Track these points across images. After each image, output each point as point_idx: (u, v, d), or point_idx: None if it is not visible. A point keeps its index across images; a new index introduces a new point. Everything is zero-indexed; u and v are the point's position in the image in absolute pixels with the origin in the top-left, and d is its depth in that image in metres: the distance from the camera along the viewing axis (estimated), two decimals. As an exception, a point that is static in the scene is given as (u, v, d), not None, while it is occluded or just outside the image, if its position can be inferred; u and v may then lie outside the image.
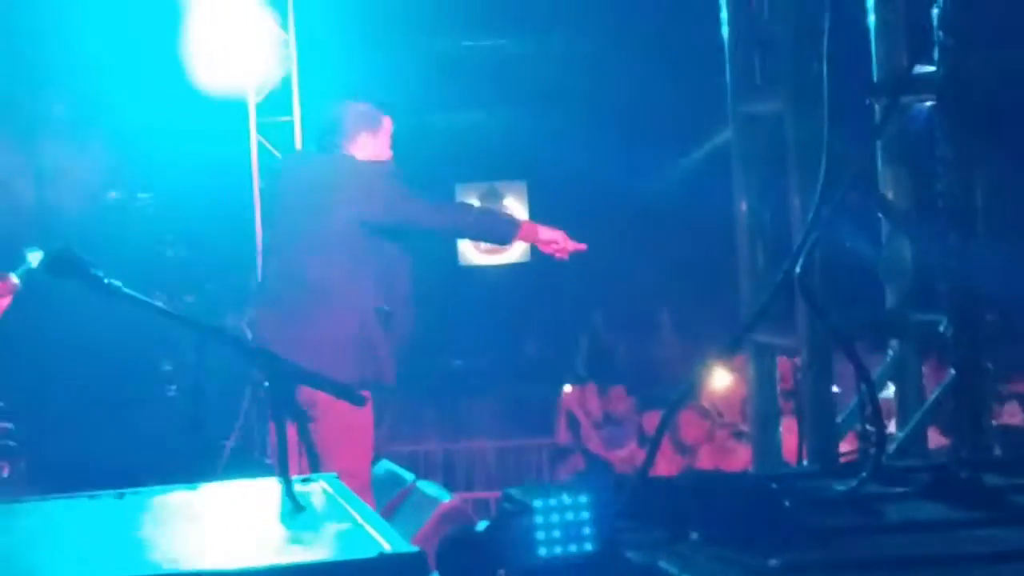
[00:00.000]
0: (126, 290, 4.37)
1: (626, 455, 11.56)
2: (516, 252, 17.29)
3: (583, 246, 6.66)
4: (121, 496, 4.03)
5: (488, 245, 18.51)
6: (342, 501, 3.90)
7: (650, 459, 3.92)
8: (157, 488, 4.15)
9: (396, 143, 6.95)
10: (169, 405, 10.99)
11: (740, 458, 9.41)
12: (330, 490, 4.07)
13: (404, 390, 11.61)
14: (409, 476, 9.02)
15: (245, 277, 11.96)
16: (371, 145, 6.69)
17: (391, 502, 8.61)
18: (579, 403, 12.81)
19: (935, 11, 4.14)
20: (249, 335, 12.19)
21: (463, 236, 7.05)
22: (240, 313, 12.41)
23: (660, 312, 15.59)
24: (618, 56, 14.30)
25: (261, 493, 4.06)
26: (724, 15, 5.20)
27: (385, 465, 9.51)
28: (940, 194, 4.34)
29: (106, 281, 4.32)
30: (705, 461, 10.04)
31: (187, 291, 11.19)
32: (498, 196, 17.30)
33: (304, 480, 4.16)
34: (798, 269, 3.83)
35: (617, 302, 16.18)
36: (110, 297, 4.31)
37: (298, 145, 11.60)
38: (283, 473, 4.06)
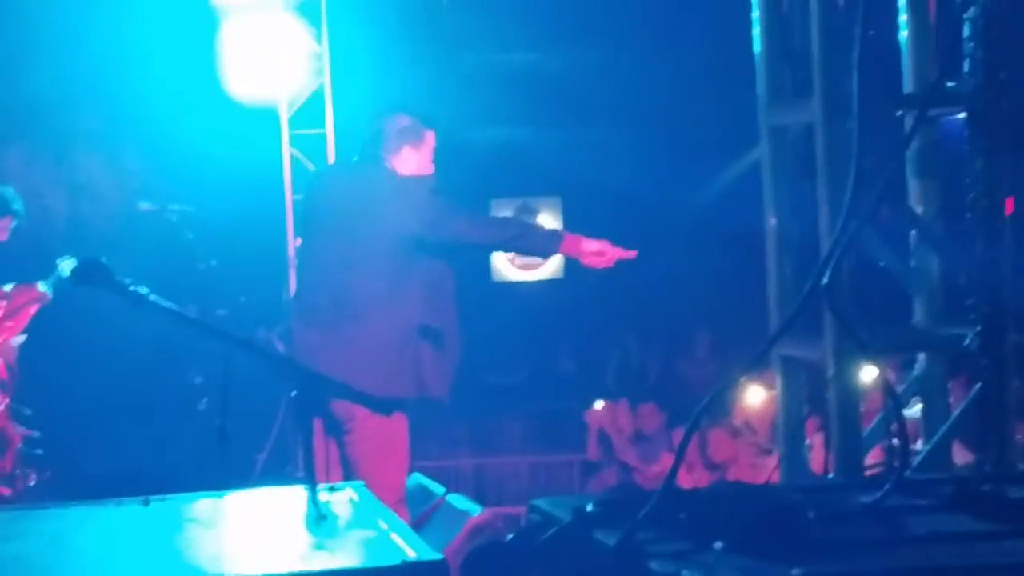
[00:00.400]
0: (152, 298, 4.39)
1: (659, 470, 11.53)
2: (549, 268, 17.31)
3: (632, 253, 6.61)
4: (147, 503, 4.05)
5: (523, 260, 18.57)
6: (369, 509, 3.91)
7: (675, 469, 3.91)
8: (183, 495, 4.16)
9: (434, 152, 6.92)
10: (199, 418, 10.99)
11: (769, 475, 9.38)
12: (356, 498, 4.08)
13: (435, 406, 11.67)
14: (439, 489, 9.01)
15: (277, 290, 12.00)
16: (414, 159, 6.65)
17: (422, 515, 8.61)
18: (610, 420, 12.80)
19: (966, 24, 4.12)
20: (281, 348, 12.27)
21: (507, 250, 6.97)
22: (271, 326, 12.46)
23: (697, 331, 15.54)
24: (654, 70, 14.29)
25: (287, 501, 4.07)
26: (756, 27, 5.19)
27: (416, 478, 9.51)
28: (969, 208, 4.31)
29: (132, 289, 4.34)
30: (734, 478, 10.03)
31: (219, 304, 11.20)
32: (532, 212, 17.31)
33: (331, 488, 4.17)
34: (824, 281, 3.81)
35: (650, 319, 16.15)
36: (136, 305, 4.32)
37: (331, 157, 11.65)
38: (310, 481, 4.07)
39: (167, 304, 4.41)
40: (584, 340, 16.15)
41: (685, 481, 10.54)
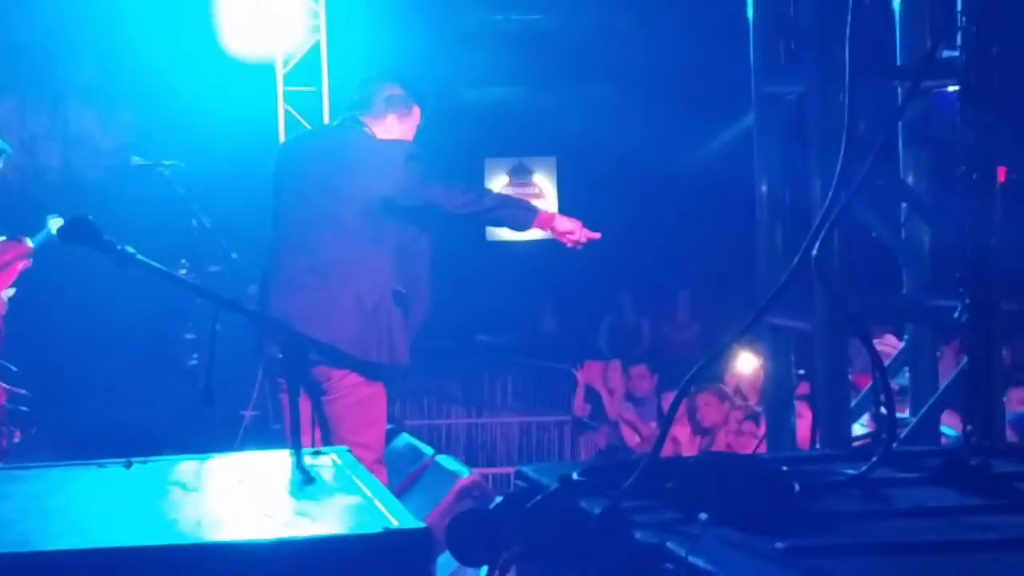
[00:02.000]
0: (140, 257, 4.38)
1: (648, 433, 11.54)
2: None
3: (597, 235, 6.60)
4: (129, 465, 4.03)
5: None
6: (352, 475, 3.90)
7: (661, 439, 3.91)
8: (166, 458, 4.15)
9: (426, 117, 6.88)
10: (191, 374, 10.98)
11: (750, 444, 9.39)
12: (340, 463, 4.07)
13: (428, 365, 11.65)
14: (428, 450, 9.02)
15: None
16: (397, 128, 6.61)
17: (410, 476, 8.62)
18: (602, 379, 12.79)
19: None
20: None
21: (481, 222, 6.92)
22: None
23: (678, 292, 15.56)
24: (650, 32, 14.26)
25: (271, 465, 4.06)
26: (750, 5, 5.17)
27: (405, 439, 9.53)
28: (960, 181, 4.30)
29: (119, 247, 4.32)
30: (722, 443, 10.01)
31: (211, 261, 11.17)
32: (527, 171, 17.31)
33: (315, 453, 4.16)
34: (815, 252, 3.80)
35: (643, 280, 16.16)
36: (123, 264, 4.31)
37: (325, 114, 11.62)
38: (294, 445, 4.07)
39: (154, 264, 4.40)
40: (577, 300, 16.17)
41: (673, 446, 10.55)
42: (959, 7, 4.25)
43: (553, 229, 6.56)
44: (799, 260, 3.87)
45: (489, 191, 6.67)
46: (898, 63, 4.91)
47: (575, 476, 3.94)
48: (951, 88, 4.57)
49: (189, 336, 11.16)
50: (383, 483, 6.34)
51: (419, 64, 13.39)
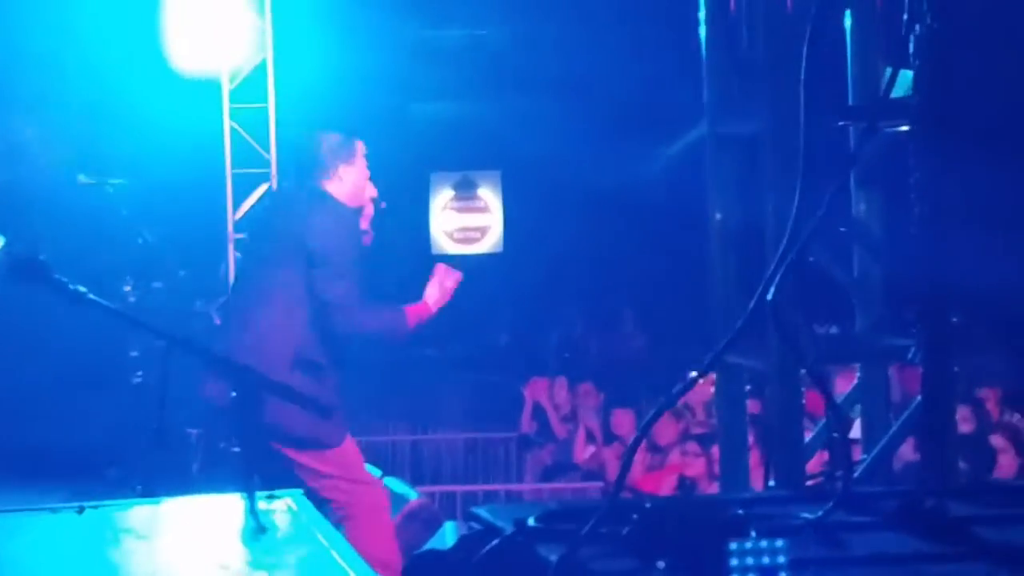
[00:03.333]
0: (91, 296, 4.34)
1: (590, 456, 11.58)
2: (489, 242, 17.32)
3: (458, 273, 6.59)
4: (81, 511, 3.98)
5: (463, 233, 18.53)
6: (308, 522, 3.87)
7: (620, 481, 3.90)
8: (119, 502, 4.10)
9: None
10: (136, 391, 10.89)
11: (700, 464, 9.44)
12: (295, 508, 4.03)
13: (373, 379, 11.61)
14: (376, 472, 8.98)
15: (215, 264, 11.93)
16: (351, 174, 6.56)
17: None
18: (548, 395, 12.80)
19: (911, 40, 4.12)
20: (218, 321, 12.20)
21: (361, 335, 6.72)
22: (209, 300, 12.38)
23: (624, 306, 15.60)
24: (595, 47, 14.28)
25: (224, 510, 4.02)
26: (703, 34, 5.17)
27: None
28: (914, 223, 4.32)
29: (71, 287, 4.29)
30: (674, 462, 10.05)
31: (156, 277, 11.11)
32: (472, 185, 17.30)
33: (269, 497, 4.12)
34: (770, 296, 3.80)
35: (589, 294, 16.18)
36: (74, 303, 4.27)
37: (272, 131, 11.58)
38: (248, 490, 4.03)
39: (104, 302, 4.36)
40: (522, 315, 16.17)
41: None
42: (911, 49, 4.27)
43: (428, 309, 6.47)
44: (755, 304, 3.88)
45: (380, 313, 6.47)
46: (850, 103, 4.93)
47: (531, 521, 3.92)
48: (903, 128, 4.59)
49: (134, 353, 11.07)
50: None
51: (365, 79, 13.40)
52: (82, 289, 4.31)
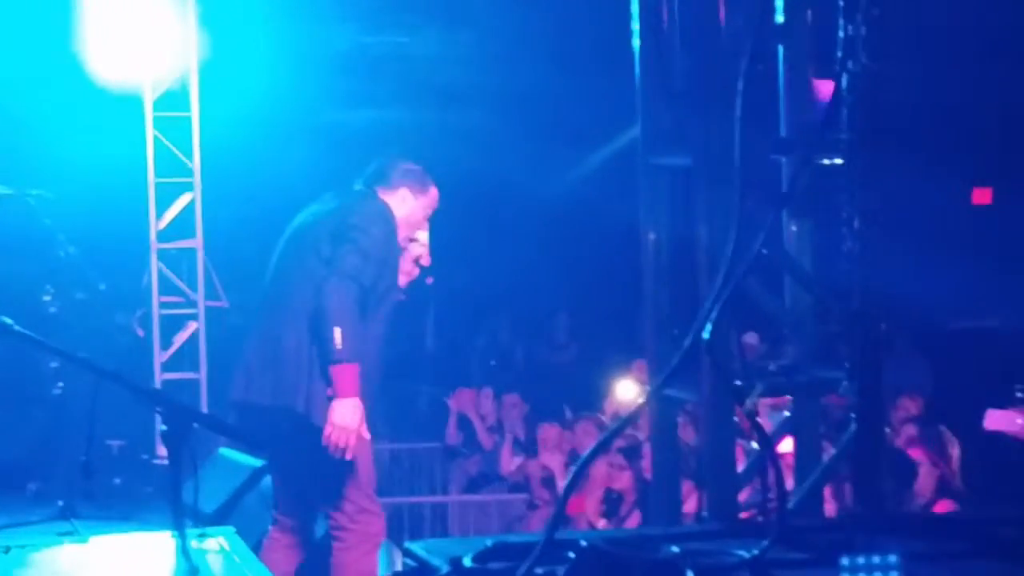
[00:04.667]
0: (17, 328, 4.29)
1: (516, 467, 11.57)
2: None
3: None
4: (7, 551, 3.92)
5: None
6: (239, 560, 3.83)
7: (556, 519, 3.91)
8: (45, 539, 4.05)
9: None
10: (55, 403, 10.74)
11: (626, 477, 9.45)
12: (228, 547, 4.00)
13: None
14: (257, 463, 8.74)
15: (137, 275, 11.82)
16: (411, 201, 6.58)
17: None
18: (474, 406, 12.77)
19: (844, 76, 4.14)
20: (140, 333, 12.09)
21: (327, 319, 6.54)
22: (130, 311, 12.26)
23: (556, 316, 15.60)
24: (520, 56, 14.27)
25: (154, 549, 3.97)
26: (636, 67, 5.18)
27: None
28: (845, 256, 4.35)
29: (-2, 320, 4.23)
30: (598, 475, 10.02)
31: (78, 288, 10.96)
32: (396, 192, 17.21)
33: (200, 535, 4.08)
34: (706, 336, 3.83)
35: (519, 303, 16.17)
36: (2, 335, 4.21)
37: (195, 141, 11.48)
38: (178, 527, 3.98)
39: (33, 335, 4.31)
40: (451, 323, 16.12)
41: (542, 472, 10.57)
42: (844, 85, 4.29)
43: (337, 398, 6.31)
44: (690, 344, 3.90)
45: (354, 326, 6.36)
46: (782, 135, 4.95)
47: (467, 561, 3.92)
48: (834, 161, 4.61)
49: (53, 364, 10.90)
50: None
51: (291, 88, 13.31)
52: (8, 321, 4.25)
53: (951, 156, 12.21)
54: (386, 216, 6.46)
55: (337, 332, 6.15)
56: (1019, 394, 11.90)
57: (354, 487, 6.52)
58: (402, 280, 6.76)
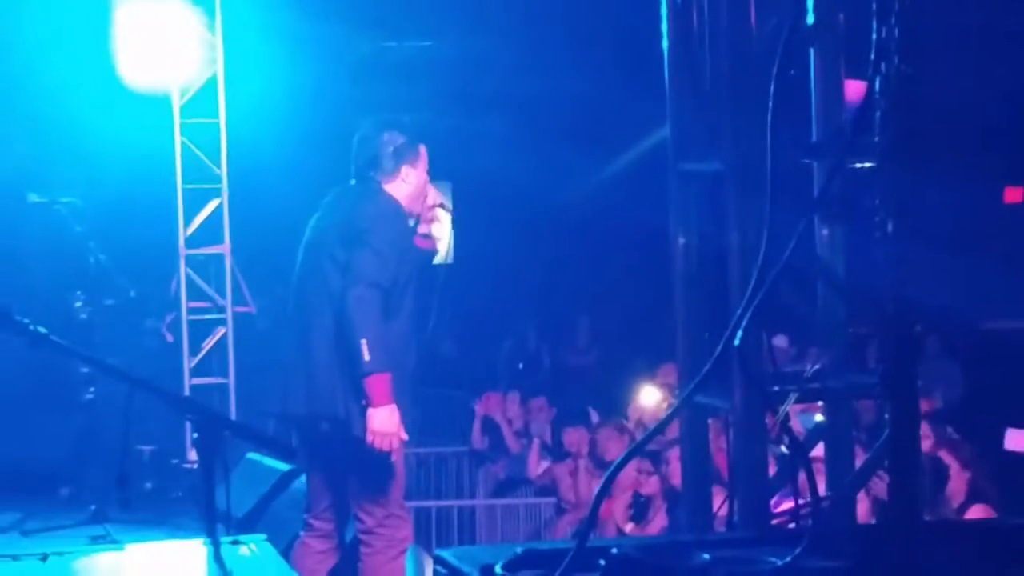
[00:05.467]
0: (53, 338, 4.31)
1: (543, 471, 11.55)
2: (440, 254, 17.23)
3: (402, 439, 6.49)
4: (45, 559, 3.94)
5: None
6: (269, 566, 3.85)
7: (588, 528, 3.90)
8: (81, 548, 4.06)
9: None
10: (87, 408, 10.80)
11: (654, 482, 9.42)
12: (258, 553, 4.01)
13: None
14: (284, 466, 8.77)
15: (167, 281, 11.86)
16: (413, 176, 6.59)
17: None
18: (501, 410, 12.76)
19: (877, 79, 4.12)
20: (169, 338, 12.13)
21: (348, 329, 6.53)
22: (160, 316, 12.31)
23: (579, 318, 15.58)
24: (544, 60, 14.28)
25: (188, 556, 3.99)
26: (666, 71, 5.17)
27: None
28: (878, 260, 4.33)
29: (32, 328, 4.26)
30: (626, 477, 9.98)
31: (108, 295, 11.02)
32: (422, 196, 17.23)
33: (233, 542, 4.09)
34: (737, 342, 3.81)
35: (542, 307, 16.16)
36: (37, 346, 4.23)
37: (223, 147, 11.52)
38: (211, 534, 4.00)
39: (66, 343, 4.33)
40: (476, 326, 16.13)
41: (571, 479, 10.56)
42: (877, 88, 4.27)
43: (374, 409, 6.30)
44: (721, 350, 3.89)
45: (382, 331, 6.35)
46: (814, 139, 4.94)
47: (498, 569, 3.91)
48: (866, 165, 4.60)
49: (84, 370, 10.95)
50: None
51: (315, 92, 13.35)
52: (43, 330, 4.28)
53: (983, 155, 12.18)
54: (392, 210, 6.49)
55: (364, 344, 6.20)
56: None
57: (385, 492, 6.56)
58: (426, 228, 6.86)
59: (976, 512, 7.78)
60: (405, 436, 6.45)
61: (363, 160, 6.61)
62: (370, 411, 6.25)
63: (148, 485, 10.87)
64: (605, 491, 3.80)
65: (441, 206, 6.88)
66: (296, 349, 6.55)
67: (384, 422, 6.27)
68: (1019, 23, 10.84)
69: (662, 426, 3.96)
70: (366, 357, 6.18)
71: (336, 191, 6.74)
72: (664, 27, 5.29)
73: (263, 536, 4.23)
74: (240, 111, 11.64)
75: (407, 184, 6.56)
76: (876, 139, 4.26)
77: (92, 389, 10.83)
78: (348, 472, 6.51)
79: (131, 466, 10.03)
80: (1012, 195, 14.07)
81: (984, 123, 12.00)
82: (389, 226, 6.40)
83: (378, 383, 6.22)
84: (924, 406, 9.54)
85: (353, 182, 6.69)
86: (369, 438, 6.27)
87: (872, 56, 4.17)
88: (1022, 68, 11.75)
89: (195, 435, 4.41)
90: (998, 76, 11.76)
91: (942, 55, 4.88)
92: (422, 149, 6.66)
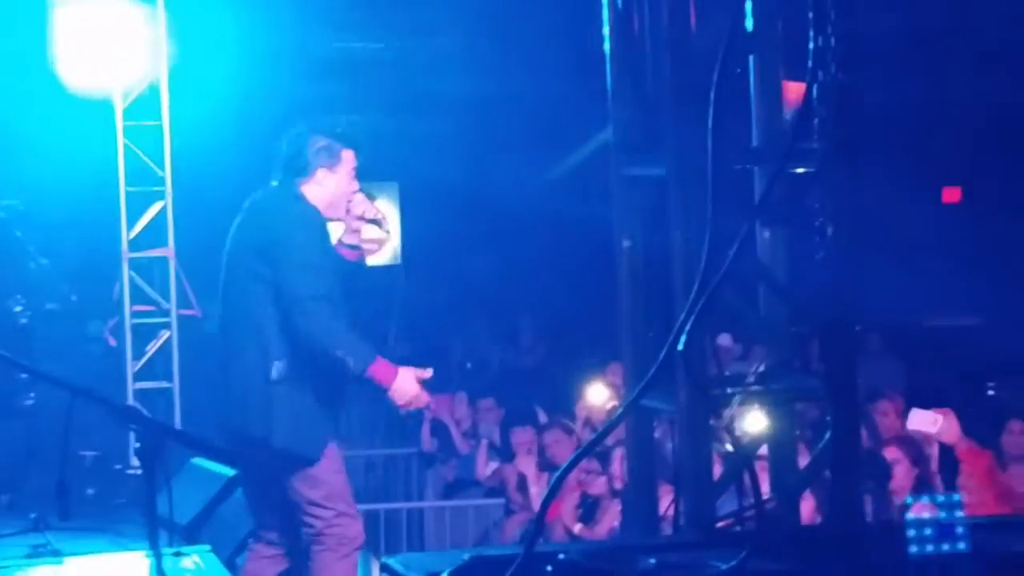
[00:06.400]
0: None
1: (492, 472, 11.54)
2: (386, 254, 17.19)
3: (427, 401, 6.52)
4: (-20, 573, 3.91)
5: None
6: (214, 577, 3.83)
7: (535, 534, 3.91)
8: (20, 562, 4.03)
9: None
10: (26, 414, 10.70)
11: (602, 483, 9.44)
12: (202, 565, 3.98)
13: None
14: (228, 472, 8.69)
15: (109, 285, 11.76)
16: (329, 180, 6.46)
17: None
18: (449, 411, 12.73)
19: (814, 87, 4.15)
20: (112, 342, 12.04)
21: (322, 340, 6.45)
22: (102, 320, 12.22)
23: (521, 317, 15.59)
24: (494, 61, 14.29)
25: (130, 569, 3.96)
26: (608, 75, 5.17)
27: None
28: (819, 263, 4.36)
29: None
30: (573, 478, 9.99)
31: (49, 299, 10.92)
32: (370, 197, 17.16)
33: (176, 554, 4.06)
34: (681, 346, 3.82)
35: (488, 307, 16.15)
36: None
37: (167, 150, 11.44)
38: (153, 546, 3.97)
39: (8, 355, 4.29)
40: (421, 327, 16.11)
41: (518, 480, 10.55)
42: (814, 95, 4.30)
43: (388, 385, 6.32)
44: (665, 355, 3.90)
45: (348, 333, 6.30)
46: (754, 144, 4.95)
47: (444, 576, 3.91)
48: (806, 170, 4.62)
49: (23, 376, 10.86)
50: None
51: (260, 94, 13.27)
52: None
53: (920, 157, 12.29)
54: (305, 216, 6.39)
55: (341, 355, 6.18)
56: (991, 392, 11.99)
57: (327, 495, 6.51)
58: (354, 238, 6.74)
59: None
60: (426, 398, 6.48)
61: (283, 160, 6.57)
62: (389, 393, 6.28)
63: (90, 491, 10.76)
64: (552, 497, 3.80)
65: (374, 221, 6.77)
66: (223, 366, 6.49)
67: (405, 392, 6.28)
68: (953, 25, 10.96)
69: (607, 431, 3.96)
70: (350, 364, 6.18)
71: (256, 195, 6.68)
72: (606, 31, 5.29)
73: (207, 547, 4.21)
74: (184, 113, 11.55)
75: (322, 188, 6.46)
76: (815, 145, 4.29)
77: (32, 395, 10.73)
78: (284, 485, 6.45)
79: (73, 473, 9.94)
80: (950, 195, 14.19)
81: (921, 125, 12.11)
82: (305, 234, 6.32)
83: (376, 373, 6.23)
84: (889, 408, 9.62)
85: (275, 183, 6.65)
86: (402, 411, 6.46)
87: (810, 64, 4.20)
88: (958, 70, 11.86)
89: (137, 444, 4.38)
90: (934, 78, 11.86)
91: (878, 59, 4.91)
92: (345, 154, 6.54)
